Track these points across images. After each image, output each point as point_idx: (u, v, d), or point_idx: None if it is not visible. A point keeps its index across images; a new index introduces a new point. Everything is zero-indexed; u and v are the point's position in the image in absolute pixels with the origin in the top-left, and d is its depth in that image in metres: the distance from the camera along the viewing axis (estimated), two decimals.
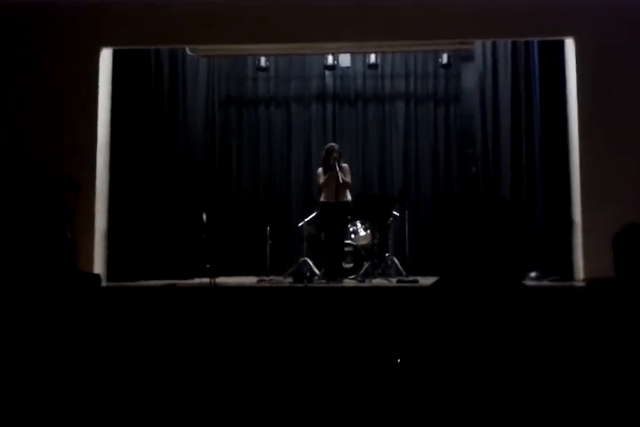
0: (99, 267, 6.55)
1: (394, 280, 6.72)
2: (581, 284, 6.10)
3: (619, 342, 1.78)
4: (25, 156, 6.49)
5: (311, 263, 6.99)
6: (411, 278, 6.59)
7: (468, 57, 7.97)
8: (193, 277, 6.97)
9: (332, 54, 8.26)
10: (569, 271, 6.50)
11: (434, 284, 1.67)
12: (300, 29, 6.69)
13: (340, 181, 6.64)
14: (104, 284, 6.00)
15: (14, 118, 6.66)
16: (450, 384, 1.49)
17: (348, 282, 6.68)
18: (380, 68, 8.64)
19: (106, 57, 6.88)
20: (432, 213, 8.37)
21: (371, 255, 7.03)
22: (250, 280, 6.84)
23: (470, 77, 7.97)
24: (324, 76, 8.79)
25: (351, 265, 7.14)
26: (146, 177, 7.09)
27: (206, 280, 6.18)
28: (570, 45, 6.60)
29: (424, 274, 6.91)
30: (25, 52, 6.69)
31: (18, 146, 6.56)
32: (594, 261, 5.94)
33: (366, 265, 6.94)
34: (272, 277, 6.79)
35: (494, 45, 7.48)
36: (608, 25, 6.31)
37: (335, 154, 6.73)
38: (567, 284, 6.23)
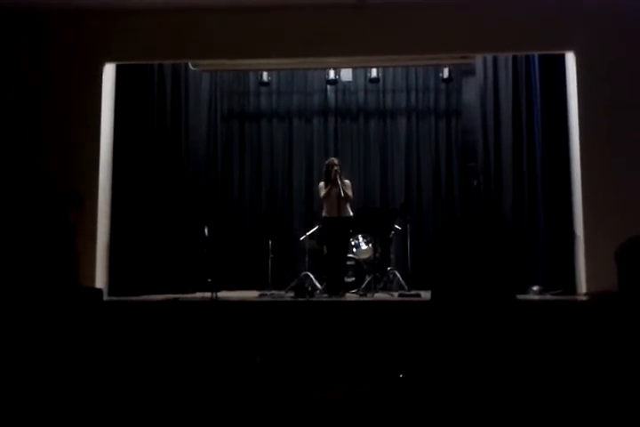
0: (101, 281, 6.54)
1: (396, 294, 6.70)
2: (584, 297, 6.07)
3: (622, 356, 1.77)
4: (27, 170, 6.51)
5: (313, 277, 6.97)
6: (413, 292, 6.57)
7: (468, 71, 8.01)
8: (195, 292, 6.96)
9: (334, 69, 8.30)
10: (572, 285, 6.47)
11: (430, 300, 1.67)
12: (302, 44, 6.73)
13: (342, 194, 6.66)
14: (106, 298, 5.99)
15: (17, 132, 6.68)
16: (450, 398, 1.48)
17: (350, 296, 6.66)
18: (381, 83, 8.68)
19: (109, 72, 6.92)
20: (434, 226, 8.36)
21: (372, 269, 7.01)
22: (251, 294, 6.82)
23: (471, 91, 8.00)
24: (325, 91, 8.83)
25: (353, 279, 7.13)
26: (148, 191, 7.10)
27: (208, 294, 6.16)
28: (570, 59, 6.63)
29: (426, 288, 6.88)
30: (27, 66, 6.73)
31: (20, 160, 6.58)
32: (597, 275, 5.91)
33: (368, 279, 6.92)
34: (274, 292, 6.77)
35: (495, 59, 7.51)
36: (608, 38, 6.34)
37: (336, 168, 6.75)
38: (570, 297, 6.21)
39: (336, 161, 6.92)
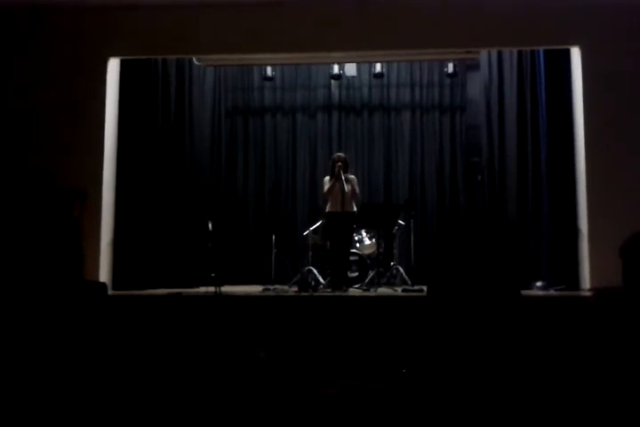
0: (105, 275, 6.56)
1: (399, 289, 6.70)
2: (588, 293, 6.07)
3: (626, 351, 1.77)
4: (32, 165, 6.52)
5: (316, 272, 6.98)
6: (416, 287, 6.57)
7: (473, 66, 7.98)
8: (198, 286, 6.97)
9: (338, 64, 8.28)
10: (575, 281, 6.48)
11: (429, 294, 1.67)
12: (306, 39, 6.72)
13: (346, 189, 6.65)
14: (110, 292, 6.00)
15: (21, 128, 6.69)
16: (454, 393, 1.48)
17: (354, 291, 6.66)
18: (385, 78, 8.66)
19: (113, 67, 6.92)
20: (438, 221, 8.35)
21: (376, 264, 7.02)
22: (255, 289, 6.83)
23: (476, 86, 7.98)
24: (329, 86, 8.81)
25: (356, 274, 7.13)
26: (152, 186, 7.12)
27: (212, 289, 6.18)
28: (575, 54, 6.61)
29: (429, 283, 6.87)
30: (32, 62, 6.74)
31: (25, 155, 6.59)
32: (600, 270, 5.90)
33: (371, 274, 6.93)
34: (277, 286, 6.78)
35: (500, 54, 7.49)
36: (613, 33, 6.32)
37: (339, 163, 6.73)
38: (574, 293, 6.21)
39: (342, 156, 6.90)
